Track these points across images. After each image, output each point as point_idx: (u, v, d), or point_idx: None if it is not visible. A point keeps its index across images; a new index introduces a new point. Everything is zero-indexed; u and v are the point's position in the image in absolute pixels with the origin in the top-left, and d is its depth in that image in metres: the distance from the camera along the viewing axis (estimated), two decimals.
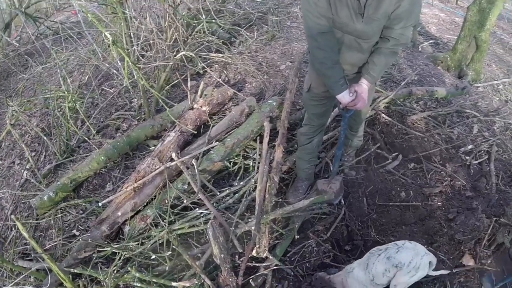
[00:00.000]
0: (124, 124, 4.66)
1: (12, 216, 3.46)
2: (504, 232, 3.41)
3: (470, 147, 4.57)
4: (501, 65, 7.24)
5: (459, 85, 5.66)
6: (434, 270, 2.70)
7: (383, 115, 4.73)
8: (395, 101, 4.95)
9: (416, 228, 3.65)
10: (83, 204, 3.77)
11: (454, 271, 3.23)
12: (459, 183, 4.07)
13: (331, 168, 3.74)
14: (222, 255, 2.74)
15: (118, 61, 3.81)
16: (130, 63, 3.09)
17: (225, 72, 5.43)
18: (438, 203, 3.87)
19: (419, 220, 3.73)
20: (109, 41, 3.10)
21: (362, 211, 3.79)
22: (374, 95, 4.71)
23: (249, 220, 3.21)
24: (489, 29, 6.02)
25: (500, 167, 4.37)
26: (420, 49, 7.08)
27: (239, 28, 5.72)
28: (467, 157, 4.40)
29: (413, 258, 2.57)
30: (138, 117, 4.67)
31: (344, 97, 2.80)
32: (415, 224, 3.70)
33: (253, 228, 2.90)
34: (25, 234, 2.44)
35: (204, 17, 4.31)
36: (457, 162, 4.36)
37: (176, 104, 4.52)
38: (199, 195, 3.27)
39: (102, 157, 3.91)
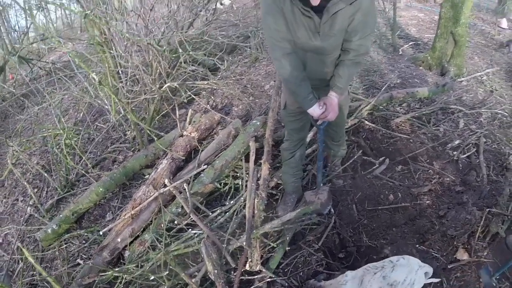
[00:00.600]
0: (120, 156, 4.85)
1: (18, 244, 3.67)
2: (498, 221, 3.40)
3: (457, 142, 4.60)
4: (483, 56, 7.32)
5: (439, 83, 5.73)
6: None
7: (366, 122, 4.82)
8: (378, 107, 5.04)
9: (406, 229, 3.69)
10: (85, 234, 3.96)
11: (449, 266, 3.24)
12: (448, 179, 4.11)
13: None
14: (216, 271, 2.89)
15: (105, 100, 3.98)
16: (116, 100, 3.27)
17: (212, 97, 5.62)
18: (428, 202, 3.91)
19: (409, 221, 3.77)
20: (95, 81, 3.29)
21: (352, 218, 3.85)
22: (355, 103, 4.85)
23: (241, 236, 3.33)
24: (464, 23, 6.13)
25: (491, 158, 4.39)
26: (400, 52, 7.19)
27: (222, 54, 5.90)
28: (455, 152, 4.43)
29: (407, 275, 2.63)
30: (133, 148, 4.86)
31: (315, 110, 2.94)
32: (405, 224, 3.74)
33: (244, 243, 3.04)
34: (31, 260, 2.65)
35: (186, 48, 4.49)
36: (444, 158, 4.40)
37: (166, 133, 4.71)
38: (191, 216, 3.42)
39: (101, 189, 4.10)
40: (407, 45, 7.57)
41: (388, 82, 5.52)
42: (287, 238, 3.48)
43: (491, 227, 3.37)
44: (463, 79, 6.30)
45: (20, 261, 3.87)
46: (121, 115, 4.19)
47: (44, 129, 5.21)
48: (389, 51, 7.11)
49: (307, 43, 2.68)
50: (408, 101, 5.34)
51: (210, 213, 3.69)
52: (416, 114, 5.04)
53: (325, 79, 3.01)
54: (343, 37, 2.69)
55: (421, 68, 6.46)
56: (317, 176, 3.69)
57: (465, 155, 4.41)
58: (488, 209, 3.53)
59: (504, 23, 9.08)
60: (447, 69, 6.41)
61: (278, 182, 4.10)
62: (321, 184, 3.76)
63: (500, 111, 5.29)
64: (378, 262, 2.83)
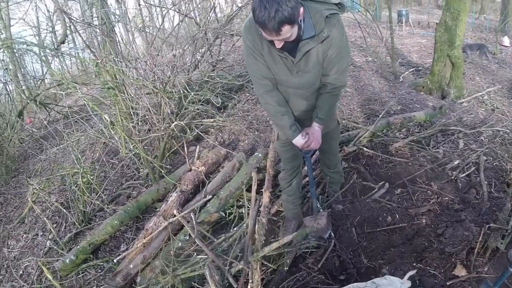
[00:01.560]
0: (134, 192, 5.17)
1: (38, 262, 4.00)
2: (497, 236, 3.44)
3: (456, 162, 4.68)
4: (485, 75, 7.44)
5: (436, 105, 5.86)
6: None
7: (365, 149, 4.99)
8: (376, 134, 5.21)
9: (404, 248, 3.75)
10: (101, 263, 4.23)
11: (448, 283, 3.27)
12: (447, 198, 4.16)
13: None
14: None
15: (117, 138, 4.31)
16: (127, 138, 3.58)
17: (220, 134, 5.95)
18: (425, 221, 3.96)
19: (406, 240, 3.84)
20: (108, 121, 3.61)
21: (352, 241, 3.95)
22: (354, 132, 5.07)
23: (242, 260, 3.55)
24: (459, 45, 6.29)
25: (492, 175, 4.45)
26: (401, 79, 7.36)
27: (229, 93, 6.22)
28: (454, 172, 4.51)
29: None
30: (146, 184, 5.19)
31: (298, 140, 3.16)
32: (402, 244, 3.81)
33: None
34: (49, 276, 2.88)
35: (190, 89, 4.85)
36: (443, 179, 4.47)
37: (176, 169, 5.04)
38: (196, 241, 3.68)
39: (116, 222, 4.41)
40: (408, 72, 7.73)
41: (387, 109, 5.70)
42: (287, 261, 3.66)
43: (490, 242, 3.41)
44: (463, 100, 6.41)
45: None
46: (132, 153, 4.51)
47: (62, 169, 5.53)
48: (390, 79, 7.30)
49: (287, 80, 2.93)
50: (408, 126, 5.49)
51: (215, 240, 3.94)
52: (415, 138, 5.18)
53: (307, 110, 3.23)
54: (320, 72, 2.92)
55: (422, 93, 6.62)
56: (312, 201, 3.87)
57: (464, 174, 4.48)
58: (488, 226, 3.57)
59: (506, 41, 9.16)
60: (447, 92, 6.55)
61: (279, 209, 4.31)
62: (319, 209, 3.94)
63: (501, 129, 5.37)
64: (360, 283, 2.92)
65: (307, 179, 4.57)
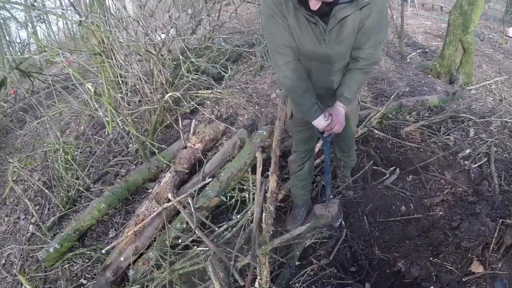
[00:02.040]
0: (122, 170, 4.73)
1: (15, 271, 3.53)
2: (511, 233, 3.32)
3: (468, 151, 4.52)
4: (492, 64, 7.27)
5: (450, 91, 5.65)
6: None
7: (376, 131, 4.72)
8: (387, 116, 4.94)
9: (419, 241, 3.59)
10: (88, 252, 3.82)
11: (464, 279, 3.16)
12: (460, 189, 4.02)
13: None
14: None
15: (101, 113, 3.86)
16: (114, 112, 3.15)
17: (217, 107, 5.50)
18: (440, 213, 3.80)
19: (422, 233, 3.67)
20: (91, 92, 3.17)
21: (363, 230, 3.75)
22: (365, 112, 4.73)
23: (249, 252, 3.21)
24: (473, 30, 6.07)
25: (502, 167, 4.33)
26: (408, 60, 7.12)
27: (227, 63, 5.80)
28: (466, 162, 4.35)
29: None
30: (135, 161, 4.75)
31: (320, 122, 2.79)
32: (418, 237, 3.64)
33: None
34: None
35: (189, 55, 4.39)
36: (456, 168, 4.31)
37: (169, 145, 4.61)
38: (197, 232, 3.29)
39: (103, 205, 3.97)
40: (415, 53, 7.49)
41: (397, 90, 5.42)
42: (297, 253, 3.36)
43: (506, 239, 3.28)
44: (472, 87, 6.24)
45: (22, 283, 3.71)
46: (121, 127, 4.06)
47: (44, 144, 5.07)
48: (396, 59, 7.04)
49: (312, 51, 2.51)
50: (418, 109, 5.24)
51: (216, 228, 3.55)
52: (426, 123, 4.94)
53: (332, 88, 2.84)
54: (352, 44, 2.51)
55: (429, 76, 6.38)
56: (326, 189, 3.56)
57: (476, 165, 4.33)
58: (502, 220, 3.45)
59: (511, 32, 9.02)
60: (456, 77, 6.35)
61: (286, 194, 3.97)
62: (331, 197, 3.64)
63: (510, 120, 5.23)
64: None
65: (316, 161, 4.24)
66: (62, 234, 3.78)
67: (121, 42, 3.96)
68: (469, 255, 3.34)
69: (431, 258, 3.42)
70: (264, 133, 4.33)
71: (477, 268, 3.21)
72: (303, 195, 3.72)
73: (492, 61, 7.43)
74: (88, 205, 4.13)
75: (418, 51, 7.62)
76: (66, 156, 4.41)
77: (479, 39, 8.31)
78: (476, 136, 4.83)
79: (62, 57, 3.62)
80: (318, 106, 2.76)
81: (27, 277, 3.70)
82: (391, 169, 4.33)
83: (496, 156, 4.45)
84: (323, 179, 4.06)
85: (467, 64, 6.30)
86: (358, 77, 2.70)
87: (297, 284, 3.24)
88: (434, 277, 3.30)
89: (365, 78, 2.81)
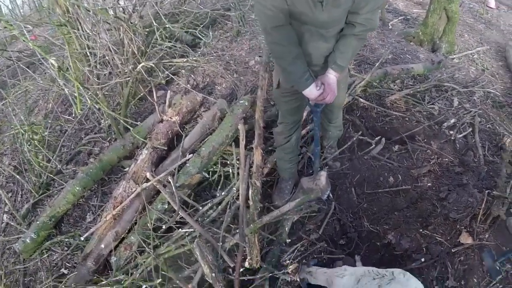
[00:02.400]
0: (95, 148, 4.47)
1: None
2: (499, 204, 3.37)
3: (452, 121, 4.51)
4: (473, 34, 7.22)
5: (435, 59, 5.58)
6: None
7: (361, 99, 4.62)
8: (371, 84, 4.83)
9: (409, 213, 3.58)
10: (67, 240, 3.61)
11: (453, 250, 3.20)
12: (447, 159, 4.02)
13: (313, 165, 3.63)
14: (213, 274, 2.63)
15: (67, 90, 3.59)
16: (81, 88, 2.91)
17: (192, 76, 5.25)
18: (428, 184, 3.80)
19: (411, 204, 3.66)
20: (55, 67, 2.92)
21: (352, 202, 3.69)
22: (349, 80, 4.59)
23: (237, 232, 3.05)
24: None
25: (485, 138, 4.36)
26: (390, 27, 7.00)
27: (201, 28, 5.55)
28: (451, 132, 4.35)
29: None
30: (109, 137, 4.49)
31: (312, 91, 2.62)
32: (407, 208, 3.62)
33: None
34: None
35: (162, 21, 4.11)
36: (441, 138, 4.30)
37: (143, 119, 4.39)
38: (180, 213, 3.11)
39: (77, 188, 3.72)
40: (397, 20, 7.36)
41: (381, 58, 5.29)
42: (286, 229, 3.26)
43: (493, 210, 3.34)
44: (454, 56, 6.19)
45: (2, 278, 3.53)
46: (90, 104, 3.80)
47: (12, 126, 4.73)
48: (378, 25, 6.89)
49: (306, 15, 2.33)
50: (402, 77, 5.16)
51: (200, 207, 3.37)
52: (411, 92, 4.87)
53: (323, 55, 2.67)
54: (349, 8, 2.35)
55: (412, 43, 6.29)
56: (314, 161, 3.45)
57: (461, 135, 4.34)
58: (488, 191, 3.49)
59: (492, 2, 9.02)
60: (439, 46, 6.28)
61: (272, 168, 3.82)
62: (318, 170, 3.53)
63: (492, 90, 5.26)
64: (381, 269, 2.65)
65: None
66: (38, 222, 3.54)
67: (87, 9, 3.65)
68: (458, 226, 3.37)
69: (421, 230, 3.42)
70: (246, 103, 4.12)
71: (466, 239, 3.24)
72: (290, 168, 3.57)
73: (474, 31, 7.40)
74: (62, 188, 3.89)
75: (399, 18, 7.49)
76: (34, 138, 4.12)
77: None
78: (460, 106, 4.81)
79: (25, 31, 3.32)
80: (310, 74, 2.59)
81: (7, 271, 3.51)
82: (376, 138, 4.25)
83: (480, 126, 4.46)
84: (310, 151, 3.94)
85: (451, 33, 6.22)
86: (353, 43, 2.55)
87: (288, 261, 3.15)
88: (424, 248, 3.31)
89: (360, 45, 2.68)
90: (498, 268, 2.96)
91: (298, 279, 2.93)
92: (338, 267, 2.84)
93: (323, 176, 3.51)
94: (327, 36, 2.51)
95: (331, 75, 2.67)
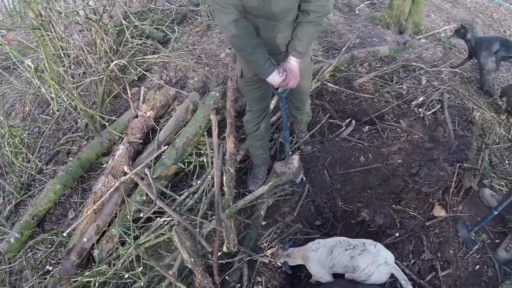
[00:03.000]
0: (74, 147, 4.53)
1: None
2: (470, 176, 3.45)
3: (421, 99, 4.57)
4: (440, 13, 7.33)
5: (400, 41, 5.67)
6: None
7: (329, 84, 4.68)
8: (339, 68, 4.91)
9: (381, 190, 3.65)
10: (50, 237, 3.66)
11: (427, 224, 3.26)
12: (416, 136, 4.09)
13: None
14: (192, 259, 2.72)
15: (44, 90, 3.64)
16: (57, 88, 2.97)
17: (165, 72, 5.31)
18: (399, 161, 3.87)
19: (382, 181, 3.73)
20: (31, 69, 2.97)
21: (325, 184, 3.76)
22: (317, 66, 4.68)
23: (213, 218, 3.15)
24: None
25: (455, 113, 4.43)
26: (357, 12, 7.06)
27: (171, 24, 5.56)
28: (420, 110, 4.41)
29: (369, 265, 2.59)
30: (87, 136, 4.56)
31: (274, 78, 2.70)
32: (379, 186, 3.70)
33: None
34: None
35: (132, 20, 4.16)
36: (410, 116, 4.36)
37: (119, 116, 4.45)
38: (158, 203, 3.20)
39: (58, 186, 3.80)
40: (363, 4, 7.44)
41: (348, 43, 5.37)
42: (262, 213, 3.32)
43: (465, 182, 3.40)
44: (421, 36, 6.30)
45: None
46: (67, 103, 3.85)
47: None
48: (345, 11, 6.95)
49: (257, 8, 2.41)
50: (369, 60, 5.23)
51: (177, 197, 3.45)
52: (379, 73, 4.94)
53: (282, 44, 2.76)
54: None
55: (379, 27, 6.36)
56: (284, 145, 3.51)
57: (430, 112, 4.40)
58: (459, 164, 3.57)
59: None
60: (405, 27, 6.37)
61: (245, 155, 3.89)
62: (290, 154, 3.59)
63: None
64: (353, 240, 2.77)
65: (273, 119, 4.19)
66: (21, 222, 3.62)
67: (59, 12, 3.69)
68: (430, 200, 3.43)
69: (394, 206, 3.49)
70: (217, 94, 4.21)
71: (439, 212, 3.30)
72: (262, 154, 3.64)
73: (440, 10, 7.50)
74: (43, 188, 3.96)
75: (366, 2, 7.56)
76: (14, 140, 4.17)
77: None
78: (428, 84, 4.88)
79: None
80: (271, 62, 2.66)
81: None
82: (347, 121, 4.33)
83: (449, 102, 4.53)
84: (281, 136, 4.02)
85: (416, 13, 6.33)
86: (309, 30, 2.62)
87: (265, 244, 3.23)
88: (398, 223, 3.37)
89: (316, 30, 2.74)
90: (473, 238, 3.01)
91: (280, 264, 2.99)
92: (311, 242, 2.90)
93: (295, 160, 3.60)
94: (281, 27, 2.59)
95: (292, 61, 2.74)
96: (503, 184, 3.59)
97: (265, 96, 3.26)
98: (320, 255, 2.74)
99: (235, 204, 2.99)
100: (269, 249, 3.19)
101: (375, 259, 2.59)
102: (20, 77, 5.68)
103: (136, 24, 3.72)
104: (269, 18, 2.50)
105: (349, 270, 2.65)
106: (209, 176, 3.51)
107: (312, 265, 2.77)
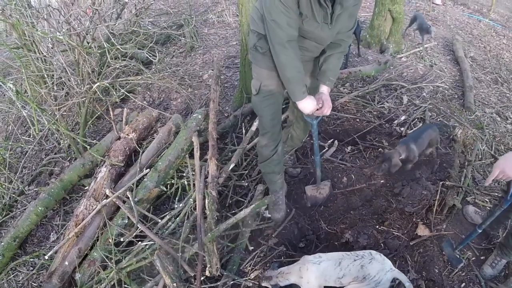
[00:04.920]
0: (56, 168, 4.52)
1: None
2: (453, 194, 3.48)
3: (403, 118, 4.63)
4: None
5: (381, 60, 5.74)
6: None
7: None
8: None
9: (364, 211, 3.66)
10: (31, 260, 3.63)
11: (411, 243, 3.27)
12: None
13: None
14: (175, 284, 2.70)
15: (24, 112, 3.61)
16: (38, 110, 2.96)
17: (148, 93, 5.32)
18: (381, 181, 3.88)
19: (366, 202, 3.74)
20: (13, 91, 2.96)
21: (308, 206, 3.76)
22: None
23: (196, 241, 3.12)
24: (402, 0, 6.17)
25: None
26: None
27: (155, 46, 5.59)
28: (402, 128, 4.46)
29: (378, 272, 2.61)
30: (69, 157, 4.53)
31: (309, 106, 2.76)
32: (362, 206, 3.70)
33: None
34: None
35: (114, 42, 4.15)
36: (392, 135, 4.40)
37: (102, 137, 4.43)
38: (139, 226, 3.18)
39: (40, 208, 3.77)
40: None
41: None
42: (246, 235, 3.33)
43: (448, 200, 3.41)
44: (402, 55, 6.37)
45: None
46: (48, 125, 3.82)
47: None
48: None
49: (313, 33, 2.56)
50: (351, 80, 5.30)
51: (159, 220, 3.42)
52: (360, 93, 5.00)
53: (313, 62, 3.02)
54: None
55: (360, 47, 6.41)
56: (315, 170, 3.58)
57: (412, 130, 4.42)
58: (442, 182, 3.59)
59: None
60: (386, 46, 6.45)
61: (228, 177, 3.85)
62: (320, 178, 3.68)
63: (441, 84, 5.42)
64: (356, 252, 2.79)
65: None
66: (2, 243, 3.56)
67: (41, 35, 3.68)
68: (414, 219, 3.46)
69: (377, 226, 3.50)
70: (199, 117, 4.22)
71: (423, 231, 3.32)
72: (280, 178, 3.49)
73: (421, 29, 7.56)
74: (25, 209, 3.92)
75: None
76: None
77: None
78: (410, 103, 4.94)
79: None
80: (306, 88, 2.75)
81: None
82: (329, 141, 4.36)
83: (430, 120, 4.59)
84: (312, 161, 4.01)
85: (397, 33, 6.42)
86: (339, 59, 2.87)
87: (249, 268, 3.21)
88: (382, 244, 3.37)
89: (342, 58, 2.94)
90: (458, 256, 3.06)
91: (269, 287, 2.92)
92: (311, 255, 2.87)
93: (327, 186, 3.70)
94: (321, 49, 2.80)
95: (326, 91, 2.89)
96: (487, 200, 3.64)
97: (279, 113, 3.21)
98: (325, 268, 2.74)
99: (217, 228, 2.97)
100: (252, 272, 3.16)
101: (383, 266, 2.62)
102: (4, 96, 5.66)
103: (118, 47, 3.71)
104: (318, 41, 2.68)
105: (358, 280, 2.65)
106: (191, 199, 3.50)
107: (313, 277, 2.74)
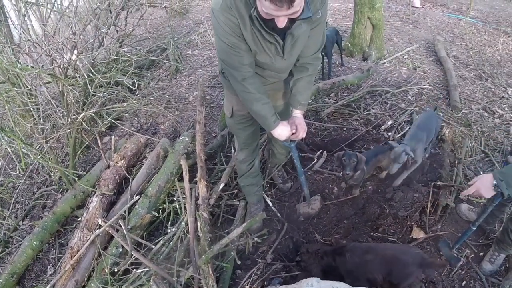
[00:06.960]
0: (49, 201, 4.50)
1: None
2: (445, 193, 3.51)
3: (390, 122, 4.66)
4: (402, 36, 7.51)
5: (363, 68, 5.80)
6: None
7: None
8: None
9: (357, 219, 3.66)
10: None
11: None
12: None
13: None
14: None
15: (8, 148, 3.62)
16: (25, 146, 2.97)
17: (136, 119, 5.33)
18: (373, 188, 3.90)
19: (358, 210, 3.74)
20: None
21: (301, 220, 3.76)
22: None
23: (190, 265, 3.13)
24: (380, 7, 6.21)
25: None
26: None
27: (139, 71, 5.62)
28: (389, 133, 4.48)
29: None
30: (61, 189, 4.53)
31: (283, 133, 2.80)
32: (355, 215, 3.71)
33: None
34: None
35: (95, 72, 4.15)
36: (380, 141, 4.41)
37: (92, 166, 4.43)
38: (133, 254, 3.18)
39: (35, 242, 3.76)
40: None
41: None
42: (233, 253, 3.32)
43: (440, 200, 3.45)
44: (385, 60, 6.43)
45: None
46: (35, 159, 3.82)
47: None
48: None
49: (267, 65, 2.57)
50: (335, 90, 5.33)
51: (153, 246, 3.42)
52: (346, 102, 5.03)
53: (281, 94, 3.09)
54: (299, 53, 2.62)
55: (343, 56, 6.44)
56: (302, 189, 3.64)
57: (400, 134, 4.46)
58: (433, 183, 3.62)
59: (417, 2, 9.41)
60: (369, 54, 6.52)
61: (219, 197, 3.88)
62: (309, 195, 3.72)
63: (425, 86, 5.47)
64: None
65: None
66: (0, 280, 3.55)
67: (20, 72, 3.70)
68: (408, 223, 3.47)
69: (372, 233, 3.50)
70: (186, 139, 4.25)
71: (418, 234, 3.34)
72: (258, 190, 3.69)
73: (402, 33, 7.70)
74: (20, 245, 3.89)
75: None
76: None
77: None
78: (395, 107, 4.97)
79: None
80: (276, 116, 2.76)
81: None
82: (318, 153, 4.38)
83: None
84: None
85: (378, 39, 6.47)
86: (309, 83, 2.84)
87: (247, 286, 3.19)
88: None
89: (313, 79, 2.94)
90: (456, 255, 3.08)
91: None
92: (303, 280, 2.75)
93: (317, 200, 3.72)
94: (283, 77, 2.84)
95: (298, 115, 2.90)
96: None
97: (257, 131, 3.30)
98: None
99: (211, 249, 2.97)
100: None
101: None
102: None
103: (99, 76, 3.73)
104: (277, 71, 2.69)
105: None
106: (183, 222, 3.50)
107: None
